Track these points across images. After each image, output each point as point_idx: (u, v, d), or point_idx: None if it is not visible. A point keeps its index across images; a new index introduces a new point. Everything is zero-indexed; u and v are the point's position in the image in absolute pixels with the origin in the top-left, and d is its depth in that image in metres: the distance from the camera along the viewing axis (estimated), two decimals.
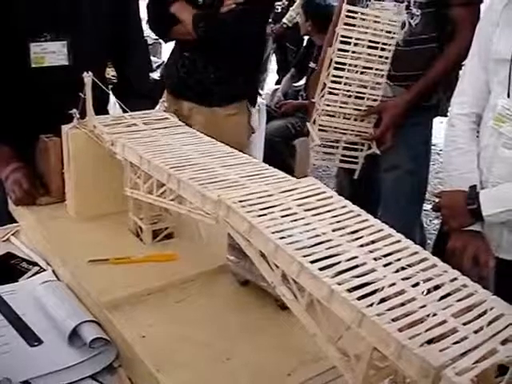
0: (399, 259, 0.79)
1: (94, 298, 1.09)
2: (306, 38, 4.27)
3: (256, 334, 1.01)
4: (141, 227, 1.28)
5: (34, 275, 1.25)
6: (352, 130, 1.96)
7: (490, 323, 0.68)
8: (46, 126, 1.41)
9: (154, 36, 2.61)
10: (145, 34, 1.97)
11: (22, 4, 1.50)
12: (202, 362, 0.94)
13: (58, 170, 1.43)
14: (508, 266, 1.42)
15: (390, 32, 1.83)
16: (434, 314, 0.69)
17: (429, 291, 0.73)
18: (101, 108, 1.41)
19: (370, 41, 1.84)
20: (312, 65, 3.51)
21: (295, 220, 0.87)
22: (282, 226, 0.85)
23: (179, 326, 1.02)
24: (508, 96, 1.37)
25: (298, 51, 4.65)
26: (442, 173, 2.68)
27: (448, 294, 0.73)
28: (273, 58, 5.89)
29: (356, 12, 1.82)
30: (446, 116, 2.02)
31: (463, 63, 1.82)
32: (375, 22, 1.83)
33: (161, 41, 3.64)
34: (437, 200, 1.55)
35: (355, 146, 2.01)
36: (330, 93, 1.89)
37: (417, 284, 0.74)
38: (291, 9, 5.18)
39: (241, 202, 0.92)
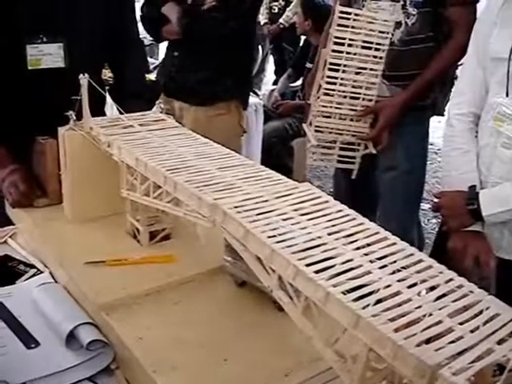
0: (395, 261, 0.79)
1: (91, 299, 1.08)
2: (302, 38, 4.28)
3: (253, 335, 1.01)
4: (138, 229, 1.28)
5: (31, 277, 1.25)
6: (348, 131, 1.96)
7: (485, 323, 0.69)
8: (42, 127, 1.41)
9: (150, 38, 2.65)
10: (141, 36, 1.97)
11: (19, 6, 1.50)
12: (200, 363, 0.94)
13: (55, 172, 1.42)
14: (509, 266, 1.42)
15: (383, 32, 1.83)
16: (430, 315, 0.69)
17: (425, 292, 0.73)
18: (97, 109, 1.41)
19: (364, 41, 1.84)
20: (309, 65, 3.52)
21: (291, 225, 0.87)
22: (278, 230, 0.85)
23: (176, 328, 1.02)
24: (507, 95, 1.37)
25: (295, 51, 4.65)
26: (440, 173, 2.69)
27: (444, 295, 0.73)
28: (270, 59, 5.90)
29: (349, 13, 1.82)
30: (442, 115, 2.02)
31: (460, 62, 1.83)
32: (368, 22, 1.83)
33: None
34: (436, 200, 1.55)
35: (352, 147, 2.01)
36: (326, 94, 1.89)
37: (412, 285, 0.74)
38: (288, 9, 5.20)
39: (236, 207, 0.92)
